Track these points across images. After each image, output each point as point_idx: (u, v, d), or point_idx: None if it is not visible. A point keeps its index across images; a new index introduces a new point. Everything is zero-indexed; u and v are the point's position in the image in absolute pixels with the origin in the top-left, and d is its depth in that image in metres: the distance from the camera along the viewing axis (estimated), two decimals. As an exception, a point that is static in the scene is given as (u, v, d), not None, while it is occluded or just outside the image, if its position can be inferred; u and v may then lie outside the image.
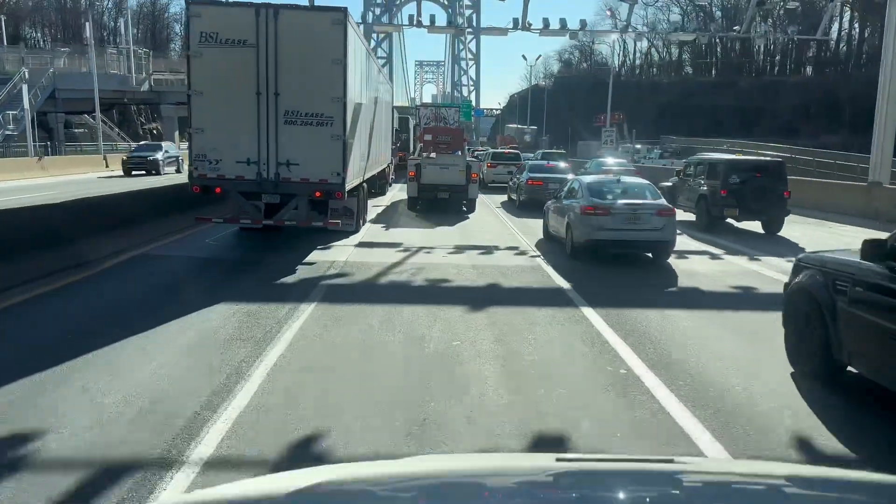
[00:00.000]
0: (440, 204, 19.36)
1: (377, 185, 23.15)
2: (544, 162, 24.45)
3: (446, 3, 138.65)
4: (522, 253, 12.89)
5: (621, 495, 1.58)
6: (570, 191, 12.99)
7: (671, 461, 1.79)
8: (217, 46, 11.71)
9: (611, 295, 9.37)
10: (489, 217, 19.43)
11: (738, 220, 16.44)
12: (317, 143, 11.83)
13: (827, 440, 4.69)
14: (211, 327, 7.20)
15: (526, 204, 20.56)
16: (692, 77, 74.08)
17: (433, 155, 20.55)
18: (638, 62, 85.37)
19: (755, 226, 16.68)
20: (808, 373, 5.91)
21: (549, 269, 11.07)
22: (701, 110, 60.30)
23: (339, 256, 11.88)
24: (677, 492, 1.65)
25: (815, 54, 66.04)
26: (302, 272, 10.39)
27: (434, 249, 12.91)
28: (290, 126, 11.86)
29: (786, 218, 16.20)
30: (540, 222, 14.96)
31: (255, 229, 13.10)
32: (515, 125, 71.61)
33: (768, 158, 21.46)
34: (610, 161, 28.05)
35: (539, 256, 12.37)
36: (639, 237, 11.53)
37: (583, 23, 28.22)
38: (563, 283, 9.97)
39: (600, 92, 72.80)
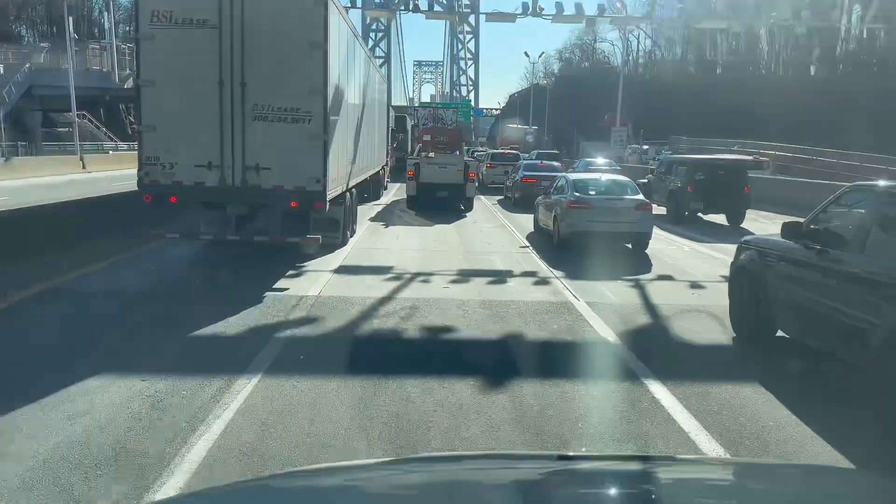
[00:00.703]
0: (438, 203, 19.15)
1: (371, 189, 20.57)
2: (538, 161, 25.11)
3: (445, 1, 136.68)
4: (543, 281, 10.22)
5: (623, 493, 1.56)
6: (558, 187, 13.81)
7: (673, 459, 1.87)
8: (172, 27, 9.66)
9: (677, 355, 6.71)
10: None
11: (704, 214, 18.21)
12: (292, 144, 9.82)
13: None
14: (79, 435, 4.52)
15: (521, 201, 20.77)
16: (698, 76, 71.19)
17: (431, 155, 20.83)
18: (641, 60, 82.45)
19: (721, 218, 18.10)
20: (745, 336, 6.90)
21: (583, 307, 8.40)
22: (708, 110, 57.56)
23: (311, 287, 9.24)
24: (679, 490, 1.60)
25: (821, 52, 63.11)
26: (256, 314, 7.72)
27: (432, 277, 10.24)
28: (259, 123, 9.82)
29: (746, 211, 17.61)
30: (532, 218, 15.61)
31: (218, 245, 10.63)
32: (515, 125, 68.88)
33: (731, 158, 22.70)
34: (600, 161, 29.51)
35: (567, 289, 9.62)
36: (619, 229, 12.44)
37: (601, 8, 25.45)
38: (608, 334, 7.34)
39: (604, 91, 70.21)
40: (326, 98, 9.90)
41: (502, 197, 24.44)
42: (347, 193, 12.81)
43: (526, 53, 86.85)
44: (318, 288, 9.22)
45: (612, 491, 1.60)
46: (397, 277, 10.08)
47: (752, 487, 1.68)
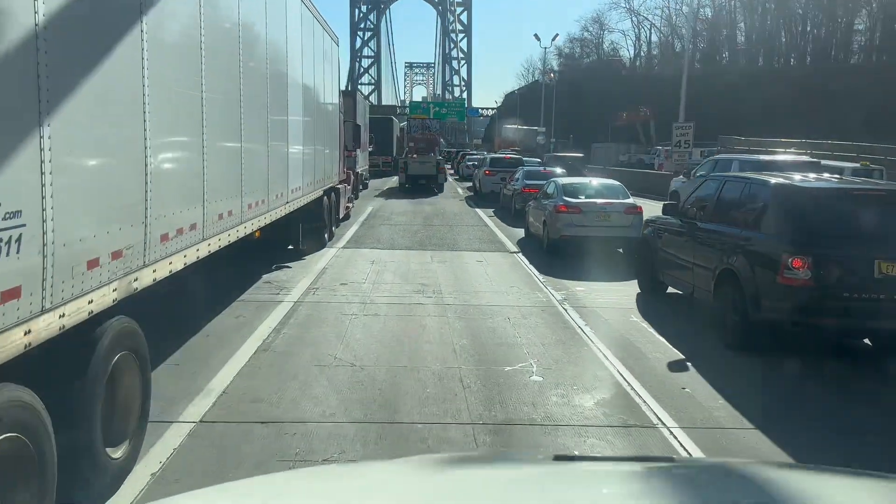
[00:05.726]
0: (420, 189, 27.86)
1: (299, 233, 11.00)
2: (540, 168, 23.57)
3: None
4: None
5: (620, 495, 1.54)
6: (548, 192, 14.04)
7: (671, 460, 1.81)
8: None
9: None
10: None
11: None
12: None
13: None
14: None
15: (521, 212, 18.37)
16: (726, 69, 61.65)
17: (415, 156, 30.38)
18: (655, 52, 72.76)
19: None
20: (644, 288, 9.47)
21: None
22: (744, 105, 48.21)
23: None
24: (677, 491, 1.54)
25: (881, 37, 53.58)
26: None
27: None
28: None
29: None
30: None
31: None
32: (515, 125, 59.44)
33: (571, 154, 31.73)
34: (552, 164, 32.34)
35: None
36: (609, 234, 12.49)
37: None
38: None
39: (613, 88, 61.15)
40: None
41: (500, 207, 22.19)
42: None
43: (536, 36, 75.80)
44: None
45: (609, 492, 1.55)
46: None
47: (751, 488, 1.60)
